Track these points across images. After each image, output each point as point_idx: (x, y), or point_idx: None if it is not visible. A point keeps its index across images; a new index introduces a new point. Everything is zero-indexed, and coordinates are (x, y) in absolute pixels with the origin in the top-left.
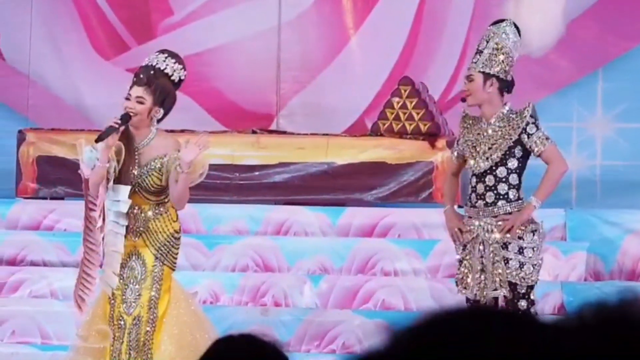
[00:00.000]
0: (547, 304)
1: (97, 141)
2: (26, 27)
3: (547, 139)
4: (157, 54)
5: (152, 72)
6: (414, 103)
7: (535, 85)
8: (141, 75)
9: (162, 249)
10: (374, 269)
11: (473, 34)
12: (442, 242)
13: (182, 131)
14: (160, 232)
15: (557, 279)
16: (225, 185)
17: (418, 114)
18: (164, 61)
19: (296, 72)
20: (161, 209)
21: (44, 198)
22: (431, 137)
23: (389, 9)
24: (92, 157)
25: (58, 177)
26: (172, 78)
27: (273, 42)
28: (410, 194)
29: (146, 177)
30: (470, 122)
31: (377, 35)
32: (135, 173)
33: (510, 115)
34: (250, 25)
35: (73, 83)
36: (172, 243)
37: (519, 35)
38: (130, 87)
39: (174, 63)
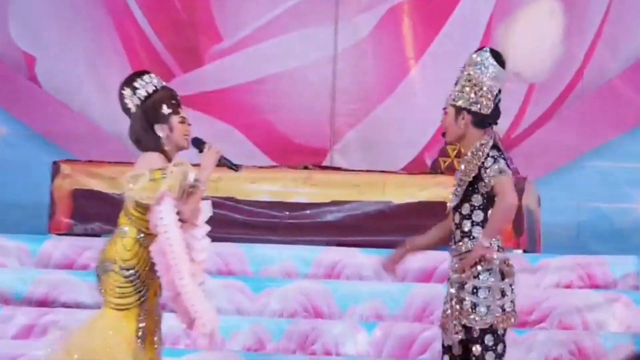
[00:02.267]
0: (618, 357)
1: (237, 171)
2: (64, 52)
3: (500, 172)
4: (155, 76)
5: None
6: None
7: (609, 122)
8: (179, 97)
9: None
10: (432, 316)
11: None
12: None
13: None
14: None
15: (629, 330)
16: (274, 224)
17: (453, 150)
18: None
19: (352, 104)
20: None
21: (79, 234)
22: None
23: (452, 37)
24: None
25: (95, 213)
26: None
27: (328, 72)
28: None
29: None
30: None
31: (439, 65)
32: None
33: (480, 147)
34: (304, 54)
35: (113, 111)
36: None
37: (501, 64)
38: (179, 110)
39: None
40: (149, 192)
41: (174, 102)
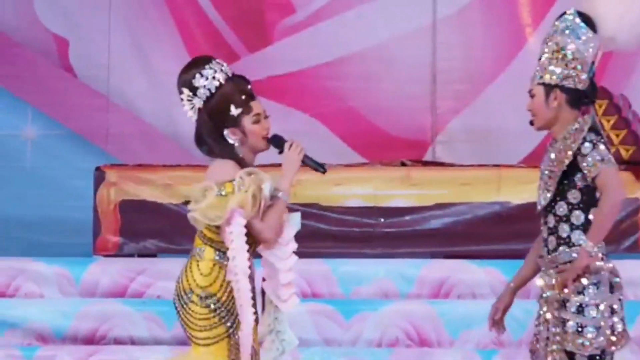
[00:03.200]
0: None
1: (324, 172)
2: (104, 33)
3: (602, 160)
4: (217, 62)
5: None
6: (612, 122)
7: None
8: (249, 86)
9: None
10: None
11: None
12: None
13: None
14: None
15: None
16: (366, 234)
17: (618, 135)
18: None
19: (457, 85)
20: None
21: (131, 255)
22: (636, 165)
23: None
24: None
25: (148, 228)
26: None
27: (426, 47)
28: (610, 242)
29: None
30: (549, 148)
31: None
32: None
33: (574, 131)
34: (395, 25)
35: (166, 105)
36: None
37: (592, 28)
38: (252, 106)
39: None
40: (217, 210)
41: (243, 97)
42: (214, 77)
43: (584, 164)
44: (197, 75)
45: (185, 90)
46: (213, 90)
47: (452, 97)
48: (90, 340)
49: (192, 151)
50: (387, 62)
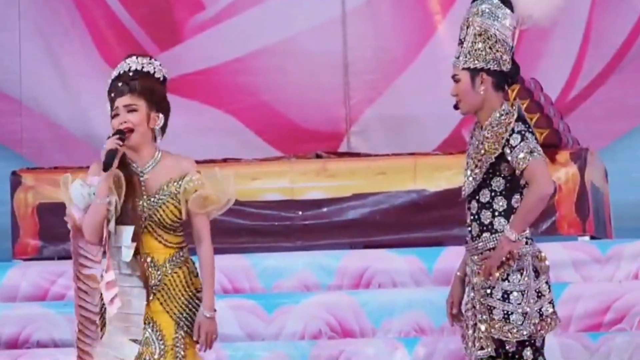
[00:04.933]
0: None
1: (105, 170)
2: (14, 37)
3: (531, 152)
4: (125, 60)
5: (130, 74)
6: (524, 106)
7: None
8: (120, 84)
9: (185, 313)
10: None
11: (597, 11)
12: (572, 286)
13: (225, 160)
14: (180, 289)
15: None
16: (285, 227)
17: (531, 119)
18: (137, 61)
19: (369, 74)
20: (179, 259)
21: (50, 258)
22: (550, 148)
23: None
24: (84, 194)
25: (67, 231)
26: (157, 76)
27: (336, 38)
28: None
29: (159, 206)
30: (474, 132)
31: None
32: (144, 204)
33: (501, 119)
34: (305, 18)
35: (79, 106)
36: (194, 306)
37: (509, 7)
38: (113, 103)
39: (150, 60)
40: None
41: (112, 94)
42: (111, 77)
43: (513, 156)
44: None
45: None
46: (109, 89)
47: (364, 87)
48: (14, 344)
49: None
50: (298, 55)
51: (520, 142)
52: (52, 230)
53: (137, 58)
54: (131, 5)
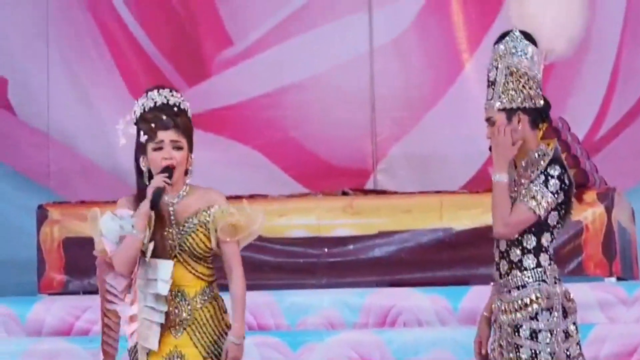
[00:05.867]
0: None
1: (153, 208)
2: (42, 70)
3: (533, 198)
4: (157, 90)
5: (175, 109)
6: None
7: None
8: (164, 117)
9: (214, 349)
10: None
11: (626, 50)
12: (598, 327)
13: (252, 196)
14: (211, 325)
15: None
16: (310, 264)
17: None
18: (174, 96)
19: (396, 112)
20: (209, 294)
21: (76, 293)
22: (577, 188)
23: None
24: (115, 227)
25: (93, 265)
26: (189, 116)
27: (364, 74)
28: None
29: (188, 235)
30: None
31: None
32: (174, 233)
33: (537, 160)
34: (333, 54)
35: (106, 140)
36: (222, 342)
37: (534, 43)
38: (153, 133)
39: (181, 97)
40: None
41: (153, 125)
42: (142, 105)
43: (526, 188)
44: (135, 103)
45: (127, 117)
46: (137, 117)
47: (391, 124)
48: None
49: (132, 185)
50: (325, 91)
51: (540, 183)
52: (78, 265)
53: (171, 92)
54: (159, 39)
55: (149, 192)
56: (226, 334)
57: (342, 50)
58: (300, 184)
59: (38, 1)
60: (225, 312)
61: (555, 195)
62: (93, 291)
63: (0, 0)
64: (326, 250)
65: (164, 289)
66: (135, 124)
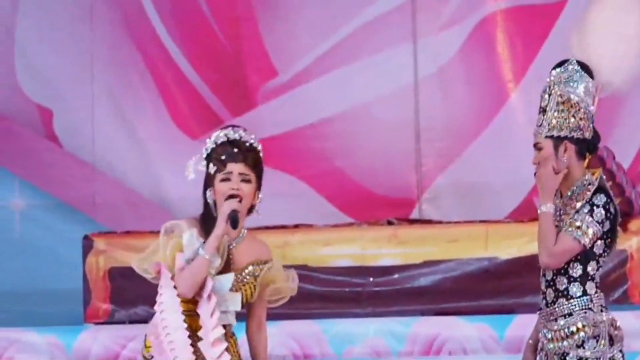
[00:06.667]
0: None
1: (234, 227)
2: (87, 102)
3: (578, 228)
4: (232, 128)
5: (247, 145)
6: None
7: None
8: (235, 150)
9: None
10: None
11: None
12: None
13: (297, 226)
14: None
15: None
16: (355, 293)
17: None
18: (247, 134)
19: (441, 142)
20: (231, 331)
21: (121, 322)
22: (622, 217)
23: (558, 50)
24: (194, 244)
25: (138, 295)
26: (261, 155)
27: (408, 105)
28: None
29: (244, 284)
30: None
31: None
32: (233, 279)
33: (583, 189)
34: (378, 85)
35: (151, 171)
36: None
37: (590, 75)
38: (222, 165)
39: (253, 137)
40: (145, 263)
41: (223, 157)
42: (214, 140)
43: (571, 216)
44: (208, 139)
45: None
46: (209, 151)
47: (436, 154)
48: None
49: (178, 216)
50: (370, 122)
51: (585, 213)
52: (124, 294)
53: (244, 131)
54: (204, 71)
55: (222, 215)
56: None
57: (387, 80)
58: (345, 214)
59: (83, 32)
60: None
61: (601, 225)
62: (139, 320)
63: (46, 30)
64: (371, 279)
65: (233, 319)
66: (206, 158)
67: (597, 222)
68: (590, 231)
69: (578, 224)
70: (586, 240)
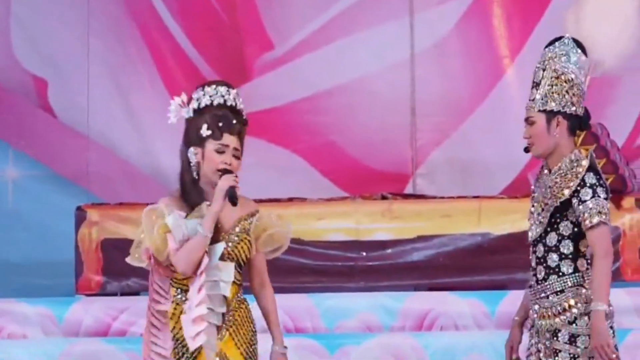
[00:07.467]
0: None
1: (234, 205)
2: (82, 72)
3: (599, 213)
4: (226, 88)
5: (244, 118)
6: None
7: None
8: (234, 121)
9: (251, 348)
10: None
11: None
12: (634, 333)
13: (290, 200)
14: (247, 325)
15: None
16: (349, 268)
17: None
18: (241, 103)
19: (436, 117)
20: (240, 297)
21: (113, 294)
22: (615, 194)
23: (555, 26)
24: (182, 226)
25: (130, 267)
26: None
27: (405, 79)
28: None
29: (237, 243)
30: (540, 176)
31: None
32: (224, 240)
33: (572, 165)
34: (374, 59)
35: (145, 142)
36: (256, 341)
37: (584, 52)
38: (219, 132)
39: (242, 103)
40: (137, 252)
41: (221, 124)
42: (210, 96)
43: (581, 210)
44: (199, 89)
45: (181, 97)
46: (202, 106)
47: (431, 129)
48: None
49: (172, 187)
50: (366, 96)
51: (591, 197)
52: (116, 266)
53: (238, 95)
54: (200, 43)
55: (218, 192)
56: (256, 333)
57: (383, 55)
58: (340, 188)
59: (79, 4)
60: (250, 312)
61: (607, 199)
62: (131, 292)
63: (41, 3)
64: (364, 253)
65: (226, 289)
66: (196, 111)
67: (604, 198)
68: (605, 209)
69: (597, 209)
70: (608, 218)
